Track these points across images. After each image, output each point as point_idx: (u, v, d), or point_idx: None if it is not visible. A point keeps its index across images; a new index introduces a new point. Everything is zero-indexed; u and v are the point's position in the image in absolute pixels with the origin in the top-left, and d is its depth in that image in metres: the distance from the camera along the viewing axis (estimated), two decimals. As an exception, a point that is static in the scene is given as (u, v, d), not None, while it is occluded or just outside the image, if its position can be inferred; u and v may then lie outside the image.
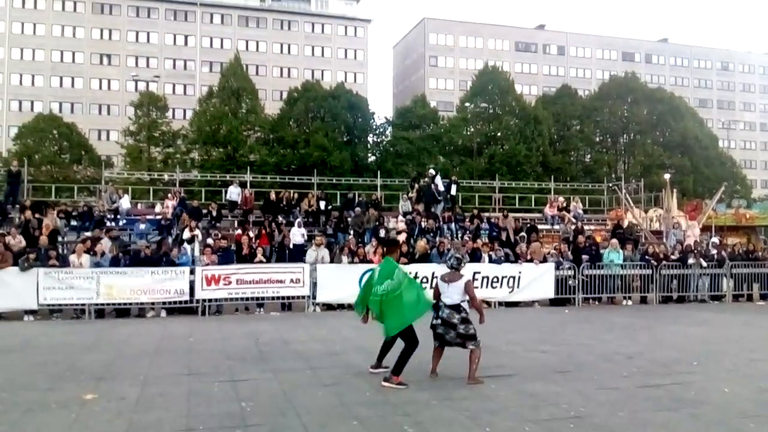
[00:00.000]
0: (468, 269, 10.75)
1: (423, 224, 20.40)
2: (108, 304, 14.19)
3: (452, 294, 7.54)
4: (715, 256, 18.96)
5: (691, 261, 18.30)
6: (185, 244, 16.83)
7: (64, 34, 65.57)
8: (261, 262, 15.69)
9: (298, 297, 15.32)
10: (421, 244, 17.24)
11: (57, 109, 58.17)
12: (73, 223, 19.30)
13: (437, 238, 18.93)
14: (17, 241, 15.14)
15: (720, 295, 18.78)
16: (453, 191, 24.73)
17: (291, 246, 18.30)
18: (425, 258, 16.42)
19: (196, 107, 48.45)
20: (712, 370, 8.51)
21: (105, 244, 15.72)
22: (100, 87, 66.09)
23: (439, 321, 7.57)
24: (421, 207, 22.59)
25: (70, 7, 65.96)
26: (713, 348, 10.32)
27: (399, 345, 7.62)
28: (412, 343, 7.46)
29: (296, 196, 23.26)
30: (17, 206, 19.75)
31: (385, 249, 8.76)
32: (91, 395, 6.82)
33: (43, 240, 15.04)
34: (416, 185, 24.35)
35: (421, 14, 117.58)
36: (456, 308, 7.49)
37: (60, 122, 48.06)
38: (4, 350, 9.84)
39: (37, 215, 17.69)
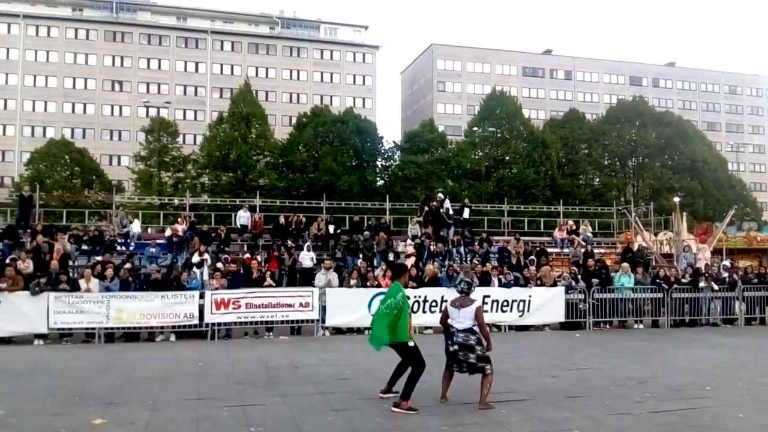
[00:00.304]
0: (478, 293, 10.69)
1: (432, 248, 20.39)
2: (118, 328, 14.20)
3: (463, 319, 7.53)
4: (727, 279, 18.82)
5: (702, 284, 18.16)
6: (195, 268, 16.89)
7: (77, 60, 66.50)
8: (270, 286, 15.71)
9: (308, 321, 15.29)
10: (430, 268, 17.22)
11: (69, 135, 58.64)
12: (84, 247, 19.41)
13: (446, 262, 18.89)
14: (26, 266, 15.24)
15: (732, 319, 18.60)
16: (466, 215, 24.77)
17: (298, 270, 18.29)
18: (434, 282, 16.38)
19: (207, 132, 48.78)
20: (726, 395, 8.41)
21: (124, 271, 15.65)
22: (112, 113, 66.74)
23: (456, 347, 7.53)
24: (430, 230, 22.59)
25: (82, 35, 66.98)
26: (726, 372, 10.20)
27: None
28: (419, 366, 7.42)
29: (305, 220, 23.29)
30: (29, 231, 19.88)
31: (393, 273, 8.70)
32: (100, 420, 6.80)
33: (54, 264, 15.12)
34: (426, 208, 24.30)
35: (428, 40, 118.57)
36: (470, 330, 7.48)
37: (72, 147, 48.46)
38: (14, 375, 9.86)
39: (48, 240, 17.81)
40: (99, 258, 17.07)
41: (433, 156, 49.27)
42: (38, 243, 17.38)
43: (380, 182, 49.50)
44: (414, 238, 22.12)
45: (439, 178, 46.62)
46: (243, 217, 23.17)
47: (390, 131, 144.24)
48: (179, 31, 69.88)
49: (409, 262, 18.01)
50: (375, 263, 19.39)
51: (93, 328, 13.96)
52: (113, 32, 67.70)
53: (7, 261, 15.26)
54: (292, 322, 15.23)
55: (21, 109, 64.27)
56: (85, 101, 66.20)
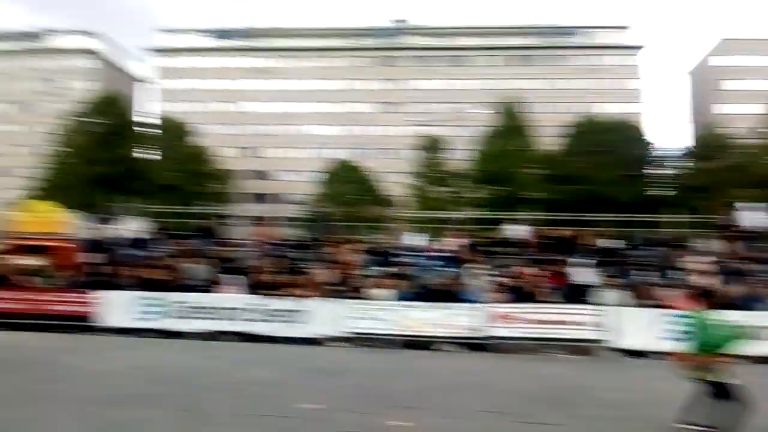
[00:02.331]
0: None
1: (734, 266, 18.17)
2: (405, 336, 15.02)
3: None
4: None
5: None
6: (472, 281, 17.17)
7: (355, 87, 74.03)
8: (550, 302, 15.31)
9: (590, 340, 14.60)
10: (724, 288, 15.36)
11: (350, 155, 64.42)
12: (371, 257, 20.91)
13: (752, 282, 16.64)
14: (323, 275, 16.90)
15: None
16: None
17: (580, 286, 17.58)
18: (730, 305, 14.47)
19: (475, 147, 49.99)
20: None
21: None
22: (387, 133, 72.25)
23: None
24: (737, 245, 20.17)
25: (360, 62, 74.78)
26: None
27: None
28: (741, 403, 6.49)
29: (581, 234, 22.32)
30: (319, 242, 22.04)
31: (694, 298, 7.71)
32: (395, 422, 7.16)
33: (344, 274, 16.54)
34: (730, 220, 21.77)
35: (710, 35, 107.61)
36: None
37: (356, 166, 53.44)
38: (327, 373, 10.91)
39: (337, 251, 19.56)
40: (387, 269, 18.22)
41: (722, 162, 44.39)
42: (330, 253, 19.17)
43: (659, 192, 46.06)
44: (706, 254, 19.96)
45: (731, 186, 41.69)
46: (517, 231, 22.99)
47: (665, 137, 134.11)
48: (444, 51, 73.32)
49: (704, 280, 16.26)
50: (662, 281, 17.86)
51: (384, 335, 14.97)
52: (384, 57, 73.79)
53: (303, 269, 17.12)
54: (574, 340, 14.68)
55: (309, 132, 72.82)
56: (363, 123, 72.82)
